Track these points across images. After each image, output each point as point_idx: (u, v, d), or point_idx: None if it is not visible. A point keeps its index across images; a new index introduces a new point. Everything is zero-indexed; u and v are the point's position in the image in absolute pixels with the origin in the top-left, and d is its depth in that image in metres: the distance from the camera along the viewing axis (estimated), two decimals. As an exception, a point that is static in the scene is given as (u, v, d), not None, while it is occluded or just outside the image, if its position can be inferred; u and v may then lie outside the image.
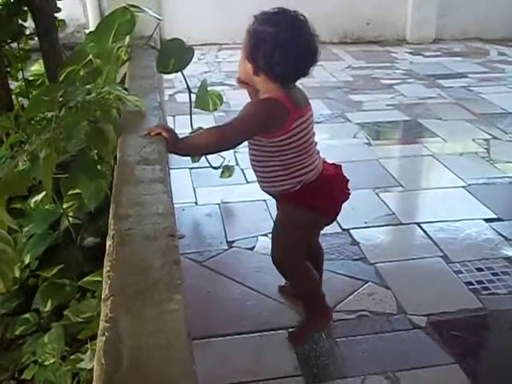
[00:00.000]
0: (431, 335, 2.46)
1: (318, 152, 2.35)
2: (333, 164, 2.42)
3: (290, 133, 2.17)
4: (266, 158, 2.26)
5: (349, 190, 2.39)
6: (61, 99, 1.97)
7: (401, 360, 2.32)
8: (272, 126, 2.16)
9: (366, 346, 2.41)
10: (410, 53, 7.71)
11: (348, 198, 2.39)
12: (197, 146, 2.18)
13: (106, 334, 0.95)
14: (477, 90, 6.04)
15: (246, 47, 2.15)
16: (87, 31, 7.44)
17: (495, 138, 4.68)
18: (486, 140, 4.63)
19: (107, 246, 1.23)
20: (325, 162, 2.39)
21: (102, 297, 1.06)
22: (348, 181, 2.40)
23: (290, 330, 2.51)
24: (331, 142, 4.53)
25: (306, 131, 2.22)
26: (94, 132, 1.87)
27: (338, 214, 2.42)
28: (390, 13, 8.18)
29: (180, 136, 2.05)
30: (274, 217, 2.53)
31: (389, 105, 5.55)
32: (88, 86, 2.05)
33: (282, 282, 2.72)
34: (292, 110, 2.16)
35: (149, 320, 1.00)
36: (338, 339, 2.45)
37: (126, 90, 2.26)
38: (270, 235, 3.12)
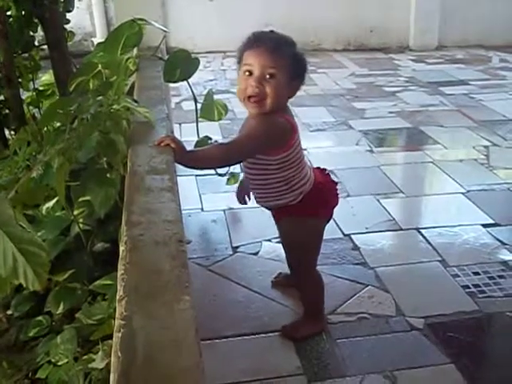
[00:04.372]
0: (428, 336, 2.53)
1: (306, 161, 2.44)
2: (321, 170, 2.53)
3: (292, 147, 2.28)
4: (268, 174, 2.33)
5: (338, 194, 2.50)
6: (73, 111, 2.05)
7: (399, 360, 2.39)
8: (278, 143, 2.26)
9: (366, 346, 2.49)
10: (413, 60, 7.80)
11: (338, 201, 2.51)
12: (203, 160, 2.20)
13: (122, 330, 1.04)
14: (478, 97, 6.12)
15: (289, 70, 2.20)
16: (94, 39, 7.56)
17: (495, 144, 4.75)
18: (485, 147, 4.70)
19: (120, 251, 1.32)
20: (314, 168, 2.50)
21: (117, 297, 1.15)
22: (337, 184, 2.51)
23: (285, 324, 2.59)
24: (334, 150, 4.60)
25: (299, 145, 2.33)
26: (105, 142, 1.94)
27: (331, 218, 2.52)
28: (393, 20, 8.26)
29: (187, 147, 2.12)
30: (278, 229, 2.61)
31: (391, 112, 5.63)
32: (99, 98, 2.13)
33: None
34: (293, 126, 2.28)
35: (160, 318, 1.08)
36: (338, 340, 2.52)
37: (135, 101, 2.34)
38: (273, 241, 3.24)
